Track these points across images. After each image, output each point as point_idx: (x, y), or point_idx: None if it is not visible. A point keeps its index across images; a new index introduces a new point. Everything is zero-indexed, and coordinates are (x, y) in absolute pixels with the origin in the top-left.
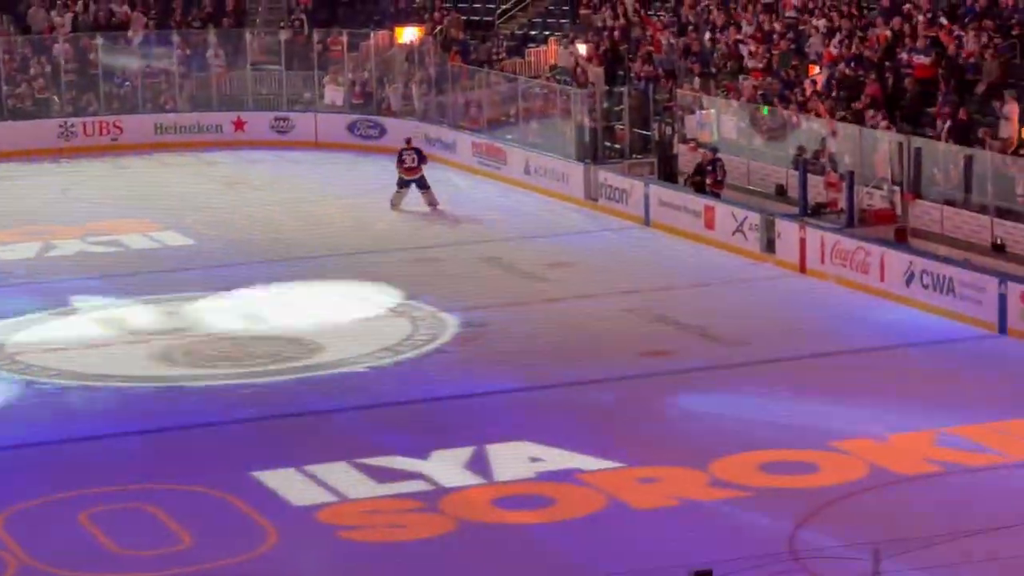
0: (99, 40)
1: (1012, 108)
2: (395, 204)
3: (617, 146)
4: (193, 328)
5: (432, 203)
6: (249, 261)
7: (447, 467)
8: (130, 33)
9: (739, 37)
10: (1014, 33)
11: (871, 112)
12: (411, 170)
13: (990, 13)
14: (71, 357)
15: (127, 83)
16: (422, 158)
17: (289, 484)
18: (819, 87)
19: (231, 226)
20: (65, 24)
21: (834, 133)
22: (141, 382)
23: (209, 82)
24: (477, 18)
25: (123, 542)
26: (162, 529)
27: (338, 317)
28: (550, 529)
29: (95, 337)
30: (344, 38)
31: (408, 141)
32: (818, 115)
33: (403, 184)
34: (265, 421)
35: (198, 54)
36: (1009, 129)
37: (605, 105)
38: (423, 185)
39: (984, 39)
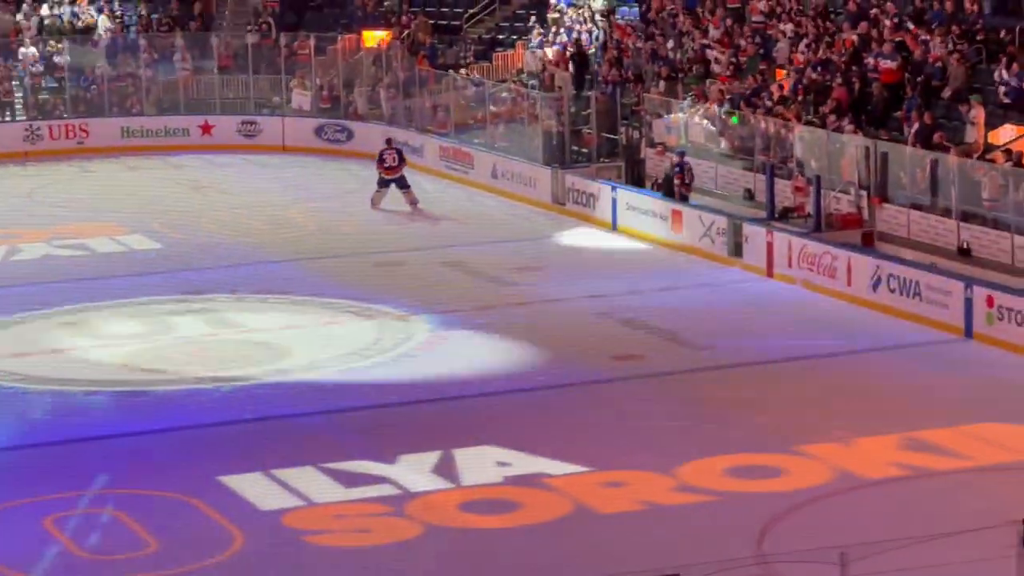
0: (65, 43)
1: (978, 113)
2: (375, 203)
3: (584, 150)
4: (160, 332)
5: (413, 202)
6: (216, 265)
7: (414, 471)
8: (96, 36)
9: (705, 41)
10: (979, 39)
11: (833, 118)
12: (391, 169)
13: (956, 18)
14: (36, 361)
15: (94, 86)
16: (402, 158)
17: (256, 488)
18: (786, 92)
19: (198, 230)
20: (31, 27)
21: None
22: (107, 386)
23: (176, 86)
24: (444, 22)
25: (89, 547)
26: (128, 534)
27: (305, 321)
28: (516, 533)
29: (60, 341)
30: (311, 42)
31: (388, 141)
32: (786, 120)
33: (383, 184)
34: (232, 425)
35: (165, 57)
36: (975, 133)
37: (572, 109)
38: (403, 184)
39: (950, 44)
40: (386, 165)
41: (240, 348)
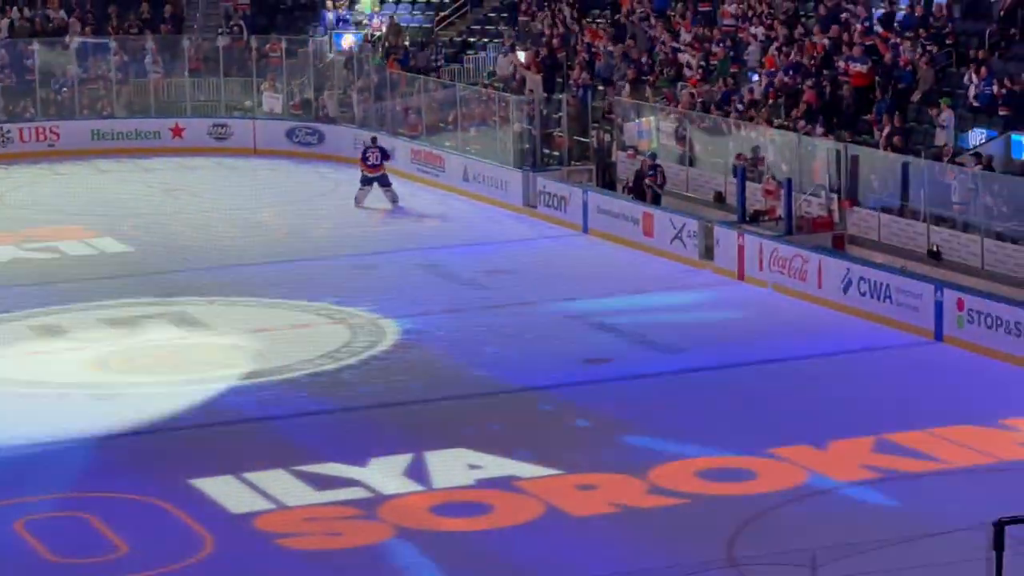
0: (36, 46)
1: (947, 116)
2: (359, 201)
3: (556, 153)
4: (130, 335)
5: (394, 200)
6: (187, 268)
7: (385, 474)
8: (67, 39)
9: (676, 45)
10: (948, 42)
11: (803, 123)
12: (374, 167)
13: (925, 22)
14: (7, 364)
15: (64, 89)
16: (385, 156)
17: (227, 491)
18: (757, 95)
19: (169, 233)
20: (1, 29)
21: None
22: (77, 389)
23: (147, 88)
24: (416, 25)
25: (59, 550)
26: (98, 537)
27: (276, 324)
28: (488, 536)
29: (31, 344)
30: (282, 45)
31: (373, 140)
32: (757, 123)
33: (366, 182)
34: (203, 428)
35: (136, 60)
36: (945, 137)
37: (544, 112)
38: (385, 182)
39: (919, 48)
40: (369, 163)
41: (210, 351)
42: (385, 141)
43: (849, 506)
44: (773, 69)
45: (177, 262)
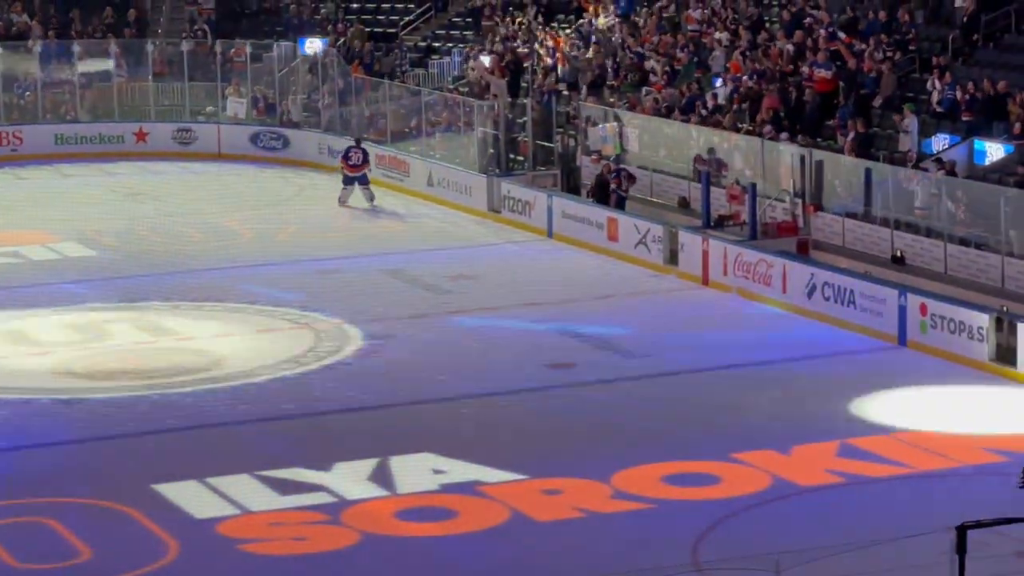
0: None
1: (911, 121)
2: (343, 201)
3: (520, 158)
4: (94, 340)
5: (371, 198)
6: (151, 272)
7: (350, 479)
8: (30, 43)
9: (640, 50)
10: (911, 48)
11: (768, 128)
12: (356, 167)
13: (889, 28)
14: None
15: (27, 93)
16: (367, 157)
17: (191, 497)
18: (721, 100)
19: (133, 237)
20: None
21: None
22: (41, 394)
23: (110, 93)
24: (380, 29)
25: (22, 556)
26: (62, 543)
27: (240, 329)
28: (453, 541)
29: None
30: (247, 49)
31: (357, 141)
32: (721, 128)
33: (348, 181)
34: (166, 433)
35: (100, 64)
36: (908, 142)
37: (508, 117)
38: (364, 181)
39: (882, 54)
40: (351, 163)
41: (175, 356)
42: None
43: (813, 510)
44: (738, 74)
45: (141, 267)
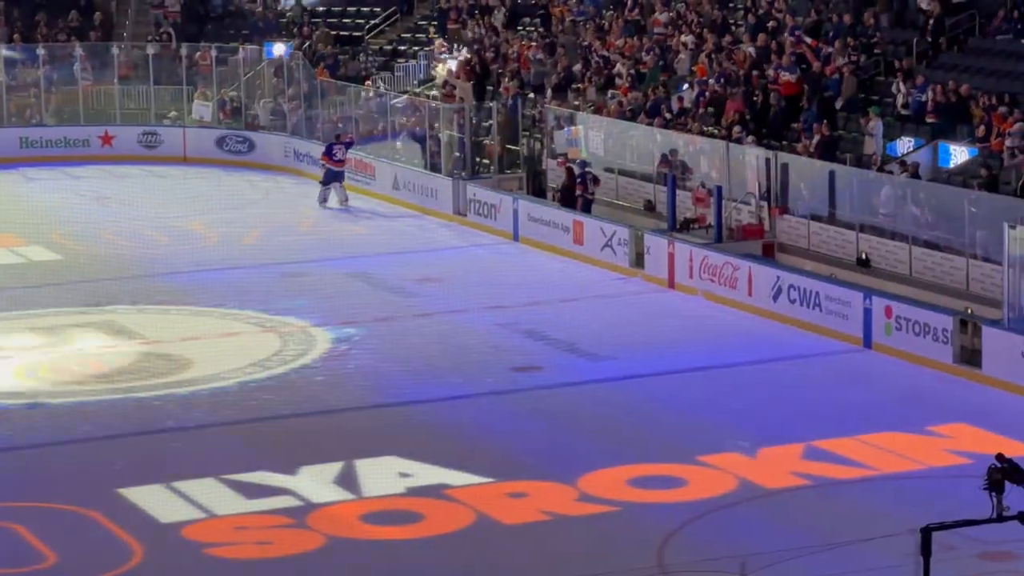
0: None
1: (876, 124)
2: (324, 200)
3: (486, 161)
4: (59, 344)
5: (344, 199)
6: (117, 276)
7: (316, 483)
8: None
9: (606, 53)
10: (876, 51)
11: (738, 128)
12: (340, 163)
13: (853, 31)
14: None
15: None
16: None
17: (156, 501)
18: (687, 103)
19: (98, 241)
20: None
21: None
22: (6, 398)
23: (75, 96)
24: (346, 33)
25: None
26: (26, 547)
27: (206, 332)
28: (419, 545)
29: None
30: (212, 52)
31: (338, 137)
32: (690, 130)
33: (330, 179)
34: (132, 437)
35: (64, 67)
36: (873, 145)
37: (474, 120)
38: (341, 179)
39: (847, 57)
40: (336, 158)
41: (140, 359)
42: (316, 149)
43: (779, 513)
44: (704, 77)
45: (107, 270)
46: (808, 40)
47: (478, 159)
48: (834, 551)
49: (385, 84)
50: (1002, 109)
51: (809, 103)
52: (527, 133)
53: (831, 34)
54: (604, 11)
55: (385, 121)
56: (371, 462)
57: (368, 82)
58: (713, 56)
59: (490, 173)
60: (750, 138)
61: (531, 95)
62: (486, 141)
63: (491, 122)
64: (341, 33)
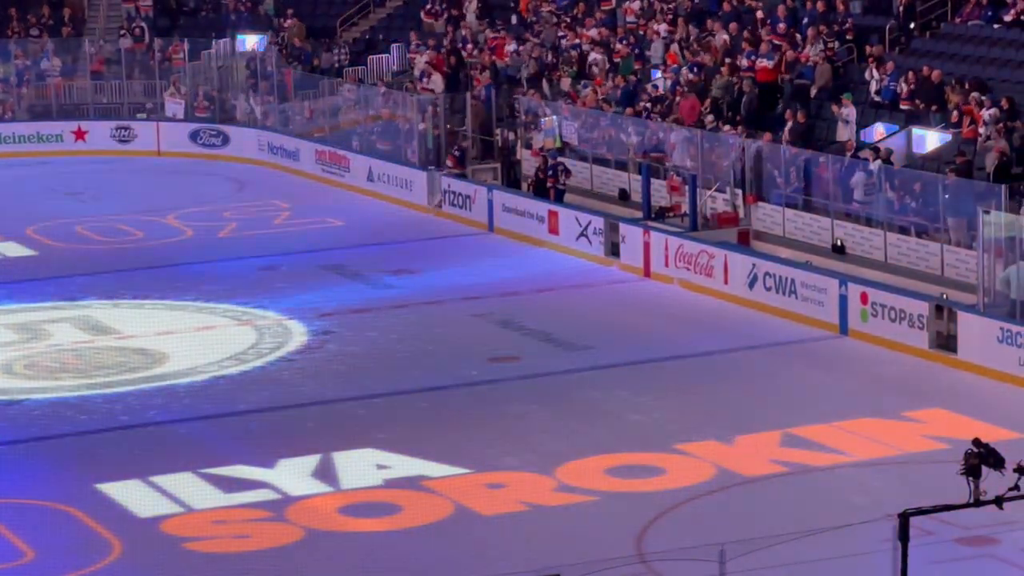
0: None
1: (849, 111)
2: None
3: (459, 152)
4: (35, 339)
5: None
6: (92, 271)
7: (293, 476)
8: None
9: (577, 40)
10: (849, 38)
11: (711, 117)
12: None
13: (826, 18)
14: None
15: None
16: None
17: (133, 495)
18: (662, 91)
19: (73, 236)
20: None
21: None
22: None
23: (48, 91)
24: (319, 25)
25: None
26: (5, 543)
27: (182, 326)
28: (397, 536)
29: None
30: (185, 46)
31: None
32: (661, 119)
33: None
34: (109, 432)
35: (36, 63)
36: (847, 132)
37: (448, 112)
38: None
39: (822, 44)
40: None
41: (116, 354)
42: (291, 142)
43: (757, 500)
44: (677, 65)
45: (81, 266)
46: (781, 27)
47: (452, 151)
48: (813, 538)
49: (359, 77)
50: (974, 95)
51: (783, 91)
52: (501, 124)
53: (804, 21)
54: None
55: (360, 113)
56: (349, 454)
57: (347, 75)
58: (686, 44)
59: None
60: (726, 126)
61: (505, 85)
62: (460, 132)
63: (464, 113)
64: (314, 25)
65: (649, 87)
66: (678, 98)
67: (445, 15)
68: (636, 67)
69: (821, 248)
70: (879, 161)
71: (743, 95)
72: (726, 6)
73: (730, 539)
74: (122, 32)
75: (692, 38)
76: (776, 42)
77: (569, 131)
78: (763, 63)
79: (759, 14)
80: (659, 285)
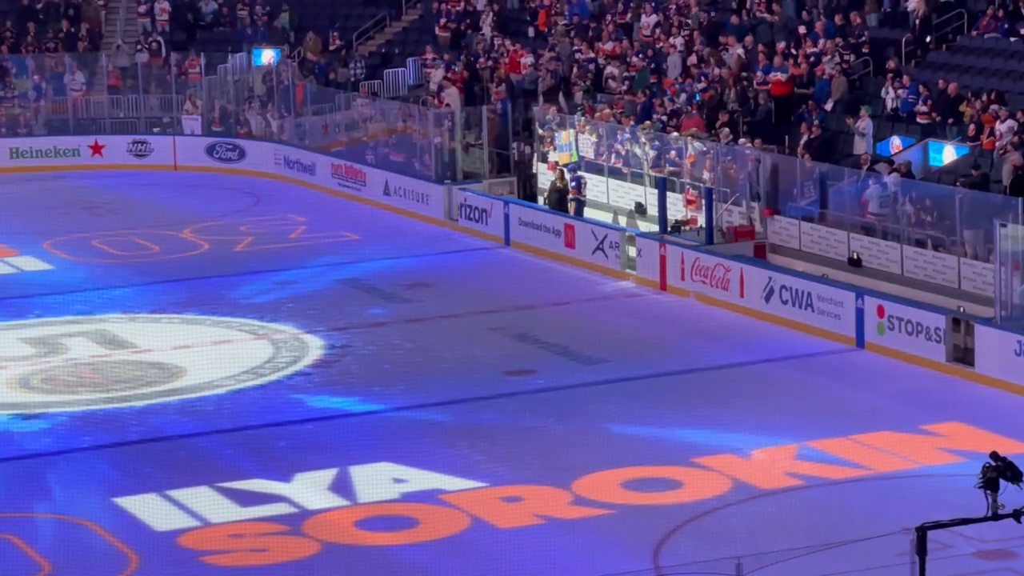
0: None
1: (866, 124)
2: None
3: (477, 166)
4: (52, 353)
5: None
6: (109, 286)
7: (310, 489)
8: None
9: (593, 55)
10: (865, 51)
11: (727, 131)
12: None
13: (842, 32)
14: None
15: None
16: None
17: (150, 509)
18: (679, 104)
19: (90, 251)
20: None
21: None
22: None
23: (66, 106)
24: (335, 39)
25: None
26: (22, 558)
27: (199, 340)
28: (414, 550)
29: None
30: (201, 60)
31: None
32: (678, 132)
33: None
34: (127, 446)
35: (54, 77)
36: (864, 145)
37: (464, 126)
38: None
39: (838, 57)
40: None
41: (133, 368)
42: (307, 156)
43: (773, 513)
44: (693, 80)
45: (98, 280)
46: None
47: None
48: (829, 551)
49: (374, 91)
50: (992, 107)
51: (799, 104)
52: (518, 137)
53: (821, 35)
54: (593, 15)
55: (377, 127)
56: (366, 468)
57: (363, 89)
58: (703, 57)
59: (480, 178)
60: (742, 140)
61: (522, 99)
62: (476, 146)
63: (481, 128)
64: (330, 39)
65: (666, 100)
66: (683, 116)
67: (461, 29)
68: (653, 81)
69: (837, 261)
70: (895, 174)
71: (758, 108)
72: (734, 19)
73: (747, 552)
74: (139, 46)
75: (707, 52)
76: (791, 54)
77: (585, 144)
78: (778, 76)
79: (773, 29)
80: (675, 298)
